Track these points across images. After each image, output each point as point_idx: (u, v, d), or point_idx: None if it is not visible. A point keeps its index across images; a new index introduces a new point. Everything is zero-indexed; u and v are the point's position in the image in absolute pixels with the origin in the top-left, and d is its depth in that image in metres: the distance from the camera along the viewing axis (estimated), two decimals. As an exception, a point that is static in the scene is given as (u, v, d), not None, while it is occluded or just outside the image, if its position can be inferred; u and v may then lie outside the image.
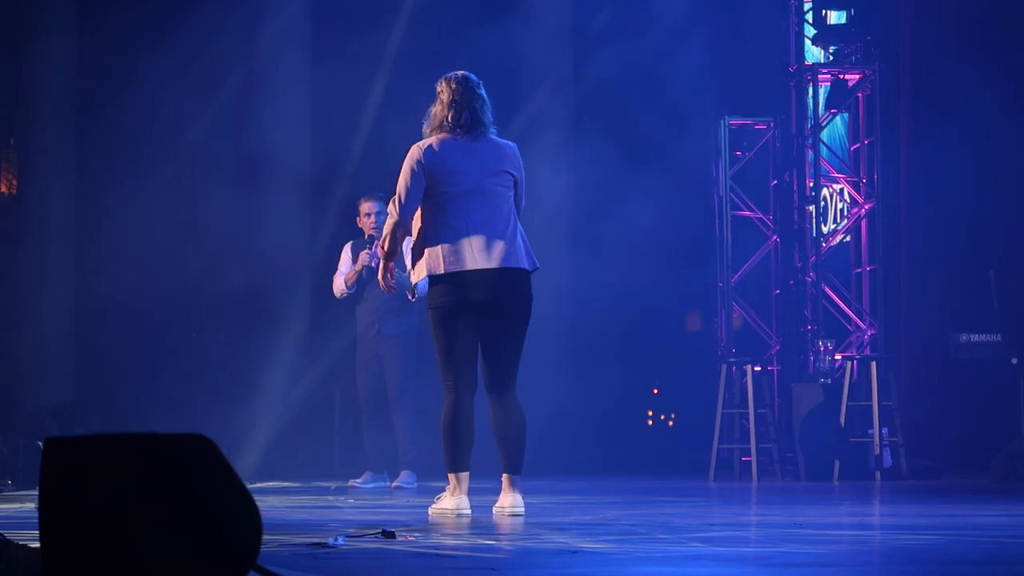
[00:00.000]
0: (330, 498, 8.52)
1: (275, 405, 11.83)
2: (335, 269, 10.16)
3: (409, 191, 6.55)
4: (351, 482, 10.00)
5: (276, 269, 12.11)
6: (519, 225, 6.66)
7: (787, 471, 10.94)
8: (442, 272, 6.49)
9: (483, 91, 6.68)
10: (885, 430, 10.56)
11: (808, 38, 12.10)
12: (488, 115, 6.67)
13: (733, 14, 12.12)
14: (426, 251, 6.55)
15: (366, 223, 10.00)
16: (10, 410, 10.94)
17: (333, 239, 11.17)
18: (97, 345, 11.77)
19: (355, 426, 10.74)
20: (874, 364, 10.57)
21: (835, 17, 12.01)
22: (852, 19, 11.81)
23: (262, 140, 12.14)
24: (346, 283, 9.99)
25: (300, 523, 5.93)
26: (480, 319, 6.56)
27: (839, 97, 11.71)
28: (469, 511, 6.52)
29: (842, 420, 10.57)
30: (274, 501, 7.69)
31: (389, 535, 4.99)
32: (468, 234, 6.50)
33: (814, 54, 12.18)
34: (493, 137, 6.70)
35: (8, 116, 12.01)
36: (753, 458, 10.83)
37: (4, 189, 12.31)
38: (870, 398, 10.51)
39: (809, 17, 12.02)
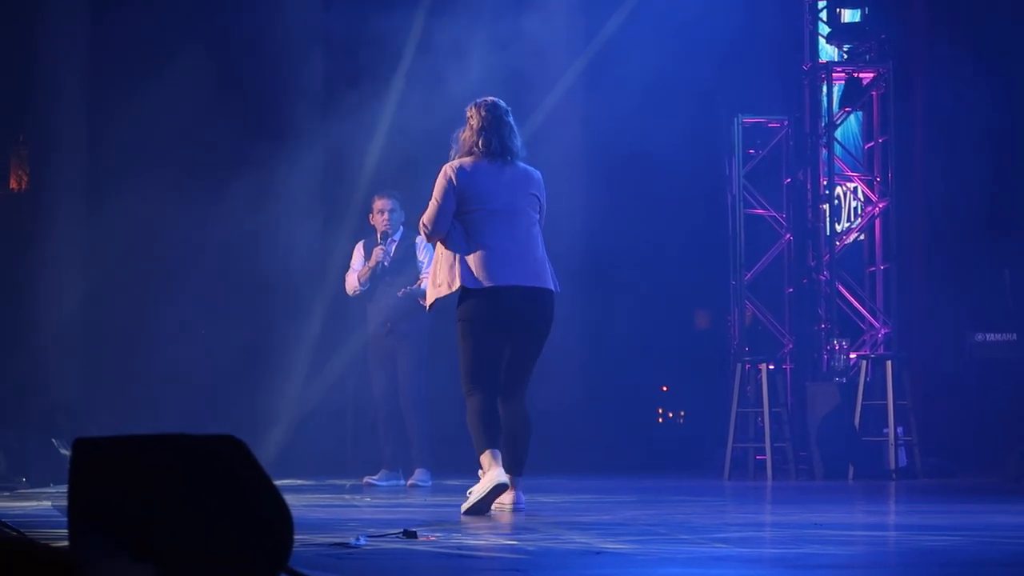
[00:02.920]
0: (346, 496, 8.50)
1: (288, 403, 11.81)
2: (348, 267, 10.17)
3: (440, 208, 6.68)
4: (366, 479, 9.98)
5: (289, 266, 12.09)
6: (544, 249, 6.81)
7: (801, 470, 10.92)
8: (475, 287, 6.59)
9: (511, 119, 6.84)
10: (900, 429, 10.55)
11: (822, 36, 12.08)
12: (516, 142, 6.83)
13: (747, 12, 12.09)
14: (458, 265, 6.63)
15: (379, 220, 10.00)
16: (22, 407, 10.92)
17: (346, 238, 11.15)
18: (107, 341, 11.76)
19: (367, 424, 10.73)
20: (889, 363, 10.55)
21: (849, 15, 11.99)
22: (866, 17, 11.80)
23: (278, 138, 12.11)
24: (359, 280, 9.99)
25: (319, 522, 5.90)
26: (507, 333, 6.68)
27: (853, 95, 11.70)
28: (508, 480, 6.53)
29: (857, 419, 10.55)
30: (290, 499, 7.63)
31: (411, 535, 4.96)
32: (502, 251, 6.63)
33: (828, 52, 12.16)
34: (521, 164, 6.86)
35: (19, 111, 12.00)
36: (768, 457, 10.81)
37: (15, 185, 12.28)
38: (885, 397, 10.49)
39: (823, 15, 12.01)
